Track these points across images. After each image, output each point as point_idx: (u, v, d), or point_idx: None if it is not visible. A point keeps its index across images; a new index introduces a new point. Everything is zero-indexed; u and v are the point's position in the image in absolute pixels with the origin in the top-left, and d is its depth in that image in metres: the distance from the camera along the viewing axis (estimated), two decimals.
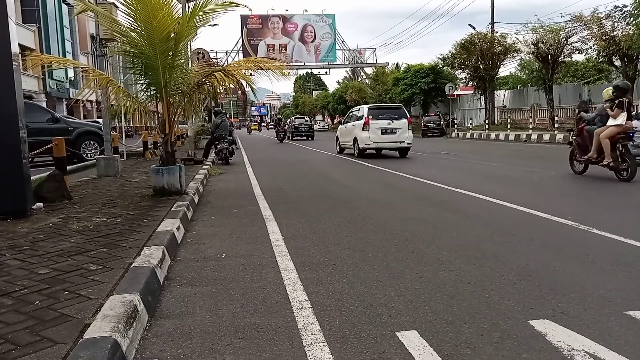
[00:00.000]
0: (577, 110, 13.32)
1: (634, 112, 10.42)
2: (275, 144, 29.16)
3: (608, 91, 9.61)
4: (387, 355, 2.58)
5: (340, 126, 19.43)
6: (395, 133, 15.75)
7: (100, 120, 17.08)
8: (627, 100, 8.89)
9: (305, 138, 33.26)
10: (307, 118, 40.58)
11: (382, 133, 15.69)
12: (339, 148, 18.66)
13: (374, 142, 15.75)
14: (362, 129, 15.83)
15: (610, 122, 8.93)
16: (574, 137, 10.21)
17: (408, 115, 16.76)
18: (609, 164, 8.89)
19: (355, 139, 16.47)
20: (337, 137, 19.20)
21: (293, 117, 43.91)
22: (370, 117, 15.80)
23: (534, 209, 6.33)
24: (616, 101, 8.83)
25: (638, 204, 7.01)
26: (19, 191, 5.83)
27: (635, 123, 9.29)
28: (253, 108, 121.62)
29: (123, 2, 7.05)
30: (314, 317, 3.08)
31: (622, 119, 8.78)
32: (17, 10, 27.88)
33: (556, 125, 24.03)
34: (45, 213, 6.16)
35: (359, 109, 17.59)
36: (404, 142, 15.80)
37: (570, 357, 2.52)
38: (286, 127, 33.19)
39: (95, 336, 2.48)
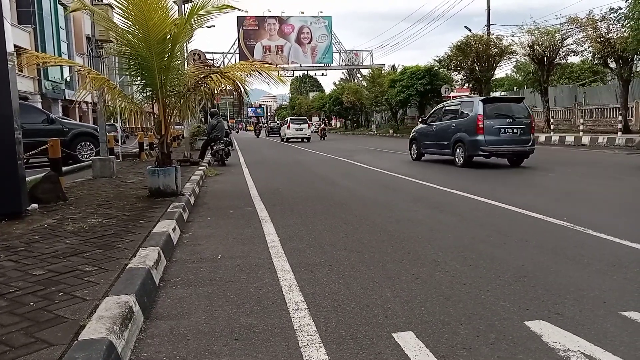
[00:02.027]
0: (323, 119, 49.78)
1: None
2: (255, 139, 42.83)
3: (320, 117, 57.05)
4: (384, 357, 2.58)
5: (281, 127, 40.37)
6: (302, 131, 33.16)
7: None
8: (324, 120, 50.96)
9: (277, 134, 47.84)
10: (278, 122, 62.05)
11: (296, 130, 33.20)
12: (281, 138, 36.86)
13: (292, 135, 33.10)
14: (287, 129, 33.84)
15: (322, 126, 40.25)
16: (320, 131, 37.89)
17: (308, 122, 36.41)
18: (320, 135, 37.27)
19: (285, 133, 34.17)
20: (279, 132, 41.66)
21: (269, 121, 69.09)
22: (290, 122, 34.52)
23: (529, 209, 6.35)
24: (324, 119, 52.91)
25: (632, 204, 7.04)
26: (14, 192, 5.80)
27: None
28: (249, 109, 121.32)
29: (118, 4, 7.04)
30: (310, 318, 3.08)
31: (322, 125, 39.51)
32: (12, 11, 27.77)
33: (552, 127, 24.06)
34: (41, 214, 6.13)
35: (285, 119, 40.54)
36: (306, 135, 33.18)
37: (566, 357, 2.53)
38: (262, 128, 57.56)
39: (91, 337, 2.47)
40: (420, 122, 15.91)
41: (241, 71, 8.13)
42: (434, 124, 14.38)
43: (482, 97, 13.86)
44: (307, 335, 2.85)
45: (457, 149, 12.83)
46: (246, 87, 8.11)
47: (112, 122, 22.07)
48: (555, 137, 22.12)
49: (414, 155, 15.36)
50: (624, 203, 7.21)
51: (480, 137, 12.09)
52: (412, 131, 16.21)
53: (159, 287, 3.73)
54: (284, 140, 34.24)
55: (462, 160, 12.60)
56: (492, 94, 35.58)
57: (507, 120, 12.39)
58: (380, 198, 8.00)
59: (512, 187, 8.97)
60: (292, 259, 4.38)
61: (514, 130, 12.28)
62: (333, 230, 5.55)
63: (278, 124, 56.45)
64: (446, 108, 14.32)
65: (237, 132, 69.81)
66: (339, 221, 6.03)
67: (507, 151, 12.48)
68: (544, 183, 9.41)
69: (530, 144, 12.43)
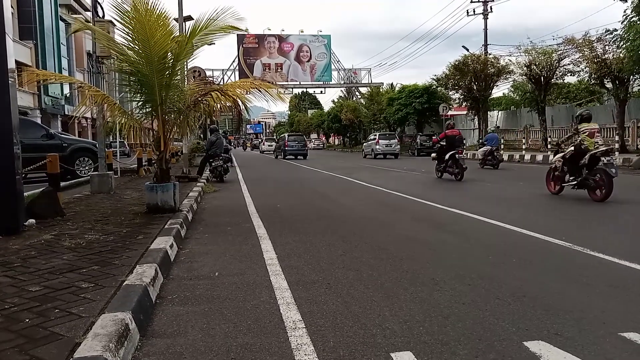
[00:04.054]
0: (282, 137, 50.12)
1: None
2: (243, 152, 58.37)
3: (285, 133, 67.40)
4: None
5: (259, 144, 66.12)
6: (272, 146, 44.98)
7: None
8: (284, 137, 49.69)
9: (258, 149, 63.56)
10: (259, 139, 79.43)
11: (268, 146, 50.68)
12: (259, 151, 56.80)
13: (265, 149, 52.03)
14: (262, 145, 57.28)
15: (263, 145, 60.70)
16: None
17: (276, 139, 51.47)
18: None
19: (261, 148, 57.50)
20: (259, 147, 61.96)
21: (254, 139, 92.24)
22: (265, 140, 60.00)
23: (528, 229, 6.34)
24: (282, 137, 48.23)
25: (630, 225, 7.04)
26: (12, 207, 5.78)
27: None
28: (249, 126, 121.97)
29: (121, 21, 7.10)
30: (307, 338, 3.05)
31: (265, 145, 58.04)
32: (14, 26, 27.98)
33: (549, 146, 24.17)
34: (38, 230, 6.11)
35: (261, 138, 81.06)
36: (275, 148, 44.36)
37: None
38: (247, 145, 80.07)
39: (86, 355, 2.45)
40: (275, 142, 43.60)
41: (241, 89, 8.18)
42: (280, 143, 36.64)
43: (289, 133, 43.87)
44: (305, 354, 2.82)
45: (282, 153, 34.09)
46: (246, 103, 8.16)
47: (111, 138, 22.10)
48: (552, 157, 22.18)
49: (276, 156, 35.92)
50: (616, 224, 7.20)
51: (287, 148, 33.64)
52: (275, 145, 41.36)
53: (156, 304, 3.70)
54: (261, 152, 53.33)
55: (282, 157, 33.27)
56: (490, 113, 35.85)
57: (295, 141, 34.04)
58: (378, 216, 8.00)
59: (508, 206, 8.99)
60: (290, 277, 4.36)
61: (299, 146, 33.70)
62: (331, 248, 5.53)
63: (259, 141, 75.99)
64: (280, 136, 43.82)
65: (235, 147, 73.79)
66: (338, 239, 6.00)
67: (296, 153, 33.38)
68: (540, 203, 9.42)
69: (305, 151, 33.82)
